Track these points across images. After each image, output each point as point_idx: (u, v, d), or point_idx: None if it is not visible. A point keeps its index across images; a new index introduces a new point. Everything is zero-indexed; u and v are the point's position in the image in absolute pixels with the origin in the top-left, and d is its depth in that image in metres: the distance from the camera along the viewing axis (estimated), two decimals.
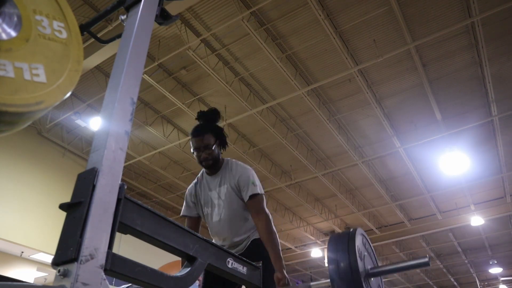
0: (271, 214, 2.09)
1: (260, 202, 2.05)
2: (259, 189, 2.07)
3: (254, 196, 2.04)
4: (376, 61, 6.18)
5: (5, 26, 0.82)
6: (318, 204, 10.90)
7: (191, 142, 2.15)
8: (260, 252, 1.95)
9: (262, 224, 1.97)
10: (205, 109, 2.43)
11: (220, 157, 2.19)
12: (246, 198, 2.05)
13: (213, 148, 2.10)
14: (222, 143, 2.20)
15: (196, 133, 2.12)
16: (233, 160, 2.24)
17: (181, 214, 2.32)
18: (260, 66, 6.72)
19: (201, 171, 2.31)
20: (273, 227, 2.00)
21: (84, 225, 0.79)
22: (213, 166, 2.15)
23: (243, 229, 2.13)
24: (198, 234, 1.20)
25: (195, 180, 2.34)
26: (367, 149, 8.76)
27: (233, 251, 1.90)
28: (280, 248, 1.94)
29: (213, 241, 2.03)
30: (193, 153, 2.16)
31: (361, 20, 5.84)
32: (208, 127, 2.17)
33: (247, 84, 7.18)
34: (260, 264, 1.59)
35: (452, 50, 6.38)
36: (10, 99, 0.76)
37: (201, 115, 2.24)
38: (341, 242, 1.25)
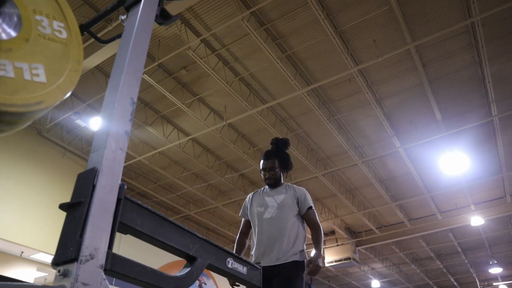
0: None
1: (315, 215, 2.62)
2: (313, 206, 2.66)
3: (310, 209, 2.61)
4: (376, 61, 6.18)
5: (5, 26, 0.82)
6: (318, 204, 10.90)
7: (260, 163, 2.74)
8: (293, 273, 2.39)
9: (315, 233, 2.54)
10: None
11: (282, 179, 2.75)
12: (304, 209, 2.59)
13: (275, 171, 2.67)
14: (285, 168, 2.75)
15: (266, 156, 2.71)
16: (290, 184, 2.77)
17: (239, 214, 2.88)
18: (260, 66, 6.72)
19: (265, 186, 2.81)
20: (323, 236, 2.58)
21: (84, 225, 0.79)
22: (274, 185, 2.70)
23: (291, 237, 2.50)
24: (198, 234, 1.20)
25: (258, 190, 2.85)
26: (367, 149, 8.76)
27: (272, 254, 2.43)
28: (322, 248, 2.54)
29: (255, 243, 2.58)
30: (260, 171, 2.74)
31: (361, 20, 5.84)
32: (276, 153, 2.72)
33: (247, 84, 7.18)
34: (260, 264, 1.59)
35: (452, 50, 6.38)
36: (10, 99, 0.76)
37: (274, 142, 2.82)
38: None
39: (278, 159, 2.69)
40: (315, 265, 2.36)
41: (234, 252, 1.78)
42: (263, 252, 2.48)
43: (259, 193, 2.75)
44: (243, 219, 2.82)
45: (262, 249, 2.49)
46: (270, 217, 2.55)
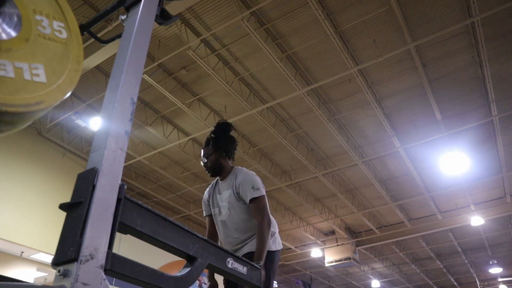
0: (271, 214, 2.20)
1: (258, 205, 2.21)
2: (260, 193, 2.23)
3: (253, 200, 2.21)
4: (376, 61, 6.18)
5: (5, 26, 0.82)
6: (318, 204, 10.90)
7: None
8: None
9: (259, 226, 2.15)
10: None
11: (226, 165, 2.40)
12: (247, 202, 2.23)
13: (212, 157, 2.36)
14: (226, 152, 2.40)
15: (204, 144, 2.45)
16: (240, 167, 2.42)
17: (204, 214, 2.57)
18: (260, 66, 6.72)
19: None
20: (268, 229, 2.15)
21: (84, 225, 0.79)
22: (214, 173, 2.40)
23: (245, 233, 2.28)
24: (198, 234, 1.20)
25: (211, 183, 2.56)
26: (367, 149, 8.75)
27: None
28: (266, 247, 2.09)
29: (219, 243, 2.31)
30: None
31: (361, 20, 5.84)
32: (214, 139, 2.41)
33: (247, 84, 7.18)
34: (261, 264, 1.59)
35: (452, 50, 6.38)
36: (10, 99, 0.76)
37: (213, 129, 2.48)
38: None
39: (215, 145, 2.37)
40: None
41: None
42: None
43: (214, 188, 2.49)
44: (207, 218, 2.53)
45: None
46: (224, 220, 2.33)
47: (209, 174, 2.42)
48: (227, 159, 2.42)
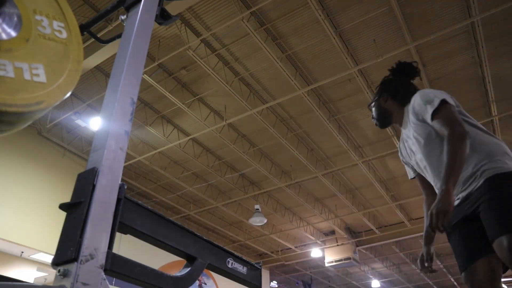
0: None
1: (440, 119, 1.61)
2: (435, 103, 1.63)
3: (434, 116, 1.63)
4: (376, 61, 6.19)
5: (5, 26, 0.82)
6: (318, 204, 10.90)
7: None
8: (494, 192, 1.51)
9: (446, 142, 1.55)
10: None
11: (394, 108, 1.95)
12: (430, 124, 1.68)
13: (374, 107, 2.03)
14: (393, 94, 1.96)
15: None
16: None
17: (409, 177, 2.12)
18: (260, 66, 6.72)
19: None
20: (461, 141, 1.51)
21: (84, 225, 0.79)
22: (382, 123, 2.02)
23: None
24: (198, 234, 1.20)
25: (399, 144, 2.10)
26: (367, 149, 8.76)
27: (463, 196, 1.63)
28: (457, 166, 1.48)
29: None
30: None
31: (361, 20, 5.84)
32: (381, 84, 2.07)
33: (247, 84, 7.18)
34: (261, 264, 1.59)
35: (452, 50, 6.38)
36: (10, 99, 0.76)
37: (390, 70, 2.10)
38: None
39: (377, 93, 2.01)
40: (438, 208, 1.40)
41: None
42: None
43: (402, 141, 1.99)
44: (418, 181, 2.04)
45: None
46: (426, 166, 1.80)
47: (380, 127, 2.06)
48: (395, 102, 1.94)
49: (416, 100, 1.76)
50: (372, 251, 13.86)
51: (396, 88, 1.96)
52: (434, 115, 1.63)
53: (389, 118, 1.98)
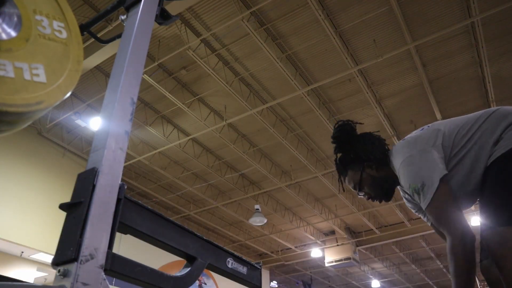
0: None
1: (432, 216, 1.47)
2: (427, 195, 1.42)
3: (426, 210, 1.47)
4: (376, 61, 6.19)
5: (5, 26, 0.82)
6: (318, 204, 10.90)
7: None
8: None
9: (448, 254, 1.38)
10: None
11: (382, 175, 1.68)
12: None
13: (359, 183, 1.69)
14: (370, 160, 1.67)
15: (338, 175, 1.78)
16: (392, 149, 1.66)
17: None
18: (260, 66, 6.72)
19: None
20: (463, 251, 1.34)
21: (84, 225, 0.79)
22: (389, 192, 1.71)
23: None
24: (198, 234, 1.20)
25: None
26: None
27: None
28: (462, 280, 1.34)
29: None
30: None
31: (361, 20, 5.85)
32: (343, 160, 1.74)
33: (247, 84, 7.18)
34: (261, 264, 1.58)
35: (452, 50, 6.38)
36: (10, 99, 0.76)
37: (334, 142, 1.75)
38: None
39: (351, 167, 1.72)
40: None
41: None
42: None
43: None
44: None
45: None
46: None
47: (389, 200, 1.73)
48: (376, 167, 1.68)
49: (401, 178, 1.56)
50: (372, 251, 13.86)
51: (368, 151, 1.68)
52: (426, 209, 1.47)
53: (392, 184, 1.69)
